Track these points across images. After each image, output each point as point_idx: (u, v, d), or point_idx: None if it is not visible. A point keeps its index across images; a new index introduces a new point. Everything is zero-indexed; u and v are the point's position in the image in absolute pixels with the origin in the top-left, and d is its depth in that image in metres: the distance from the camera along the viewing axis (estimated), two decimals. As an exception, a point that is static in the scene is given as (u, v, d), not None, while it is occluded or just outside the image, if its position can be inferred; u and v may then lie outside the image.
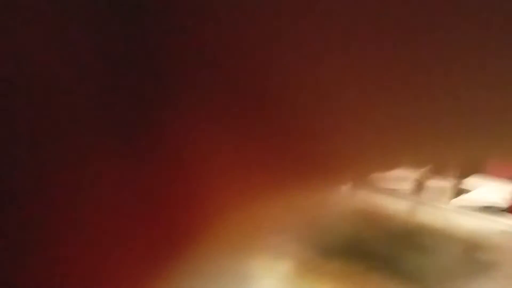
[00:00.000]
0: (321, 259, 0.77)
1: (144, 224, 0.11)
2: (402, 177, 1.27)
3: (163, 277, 0.12)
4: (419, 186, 1.24)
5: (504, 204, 1.15)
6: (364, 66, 0.11)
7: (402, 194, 1.23)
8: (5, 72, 0.09)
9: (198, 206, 0.12)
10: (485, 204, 1.14)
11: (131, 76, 0.10)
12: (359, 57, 0.11)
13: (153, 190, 0.11)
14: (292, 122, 0.12)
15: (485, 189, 1.21)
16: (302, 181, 0.13)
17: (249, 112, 0.11)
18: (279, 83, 0.11)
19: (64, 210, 0.10)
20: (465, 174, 1.37)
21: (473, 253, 0.90)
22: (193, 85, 0.11)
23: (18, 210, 0.09)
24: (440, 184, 1.21)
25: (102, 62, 0.10)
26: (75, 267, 0.11)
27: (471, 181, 1.31)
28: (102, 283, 0.11)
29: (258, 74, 0.11)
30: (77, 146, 0.10)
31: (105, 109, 0.10)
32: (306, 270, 0.73)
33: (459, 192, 1.24)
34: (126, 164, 0.11)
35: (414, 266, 0.82)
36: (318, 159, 0.13)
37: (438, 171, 1.31)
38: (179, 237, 0.12)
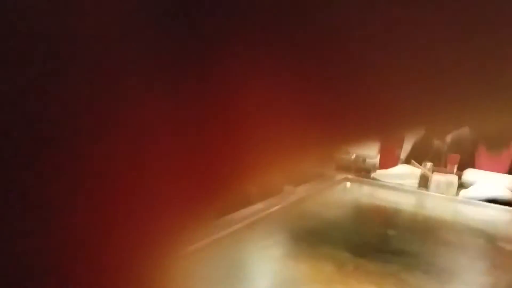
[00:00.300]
0: (358, 260, 0.75)
1: (191, 165, 0.10)
2: (409, 173, 1.28)
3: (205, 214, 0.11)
4: (426, 181, 1.25)
5: (508, 195, 1.18)
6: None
7: (410, 189, 1.24)
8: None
9: (246, 152, 0.11)
10: (491, 196, 1.17)
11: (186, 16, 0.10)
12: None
13: (202, 130, 0.10)
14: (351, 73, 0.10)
15: (487, 182, 1.25)
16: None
17: (308, 62, 0.10)
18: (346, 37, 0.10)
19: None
20: (463, 167, 1.41)
21: (495, 243, 0.91)
22: (253, 28, 0.10)
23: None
24: (445, 178, 1.22)
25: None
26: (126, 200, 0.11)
27: (471, 174, 1.34)
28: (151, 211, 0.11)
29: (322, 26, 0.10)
30: (129, 88, 0.10)
31: (156, 47, 0.10)
32: (347, 272, 0.71)
33: (464, 185, 1.27)
34: (176, 106, 0.11)
35: (442, 261, 0.82)
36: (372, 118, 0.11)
37: (441, 165, 1.34)
38: (225, 179, 0.12)
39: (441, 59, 0.10)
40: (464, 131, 1.62)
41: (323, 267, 0.72)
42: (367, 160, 1.40)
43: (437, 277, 0.75)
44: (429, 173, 1.26)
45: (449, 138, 1.86)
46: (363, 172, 1.37)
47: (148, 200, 0.11)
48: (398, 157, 1.37)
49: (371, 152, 1.43)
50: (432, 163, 1.29)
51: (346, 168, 1.40)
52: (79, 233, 0.10)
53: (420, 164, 1.31)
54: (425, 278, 0.74)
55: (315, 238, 0.83)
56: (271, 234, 0.83)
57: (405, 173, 1.28)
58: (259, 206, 0.94)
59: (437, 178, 1.23)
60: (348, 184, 1.27)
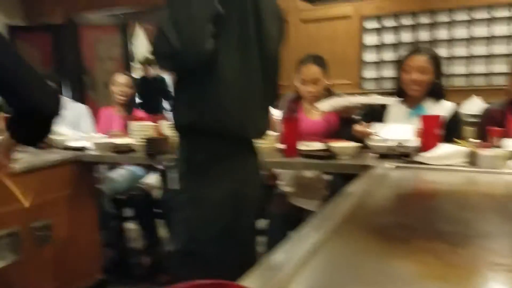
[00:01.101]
0: (457, 249, 0.73)
1: None
2: (454, 152, 1.26)
3: None
4: (474, 158, 1.24)
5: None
6: None
7: (461, 168, 1.22)
8: None
9: None
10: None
11: None
12: None
13: None
14: None
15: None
16: None
17: None
18: None
19: None
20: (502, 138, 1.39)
21: None
22: None
23: None
24: (493, 152, 1.21)
25: None
26: None
27: (509, 144, 1.33)
28: None
29: None
30: None
31: None
32: (453, 264, 0.68)
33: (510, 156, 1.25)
34: None
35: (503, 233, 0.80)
36: None
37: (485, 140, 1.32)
38: None
39: None
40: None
41: (426, 261, 0.68)
42: (407, 144, 1.37)
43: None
44: (476, 150, 1.24)
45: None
46: (404, 157, 1.35)
47: None
48: (438, 137, 1.34)
49: (409, 136, 1.41)
50: (480, 140, 1.27)
51: (387, 156, 1.37)
52: None
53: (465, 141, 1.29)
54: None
55: (402, 233, 0.80)
56: (357, 237, 0.80)
57: (450, 153, 1.26)
58: (323, 214, 0.90)
59: (484, 153, 1.21)
60: (395, 172, 1.23)
